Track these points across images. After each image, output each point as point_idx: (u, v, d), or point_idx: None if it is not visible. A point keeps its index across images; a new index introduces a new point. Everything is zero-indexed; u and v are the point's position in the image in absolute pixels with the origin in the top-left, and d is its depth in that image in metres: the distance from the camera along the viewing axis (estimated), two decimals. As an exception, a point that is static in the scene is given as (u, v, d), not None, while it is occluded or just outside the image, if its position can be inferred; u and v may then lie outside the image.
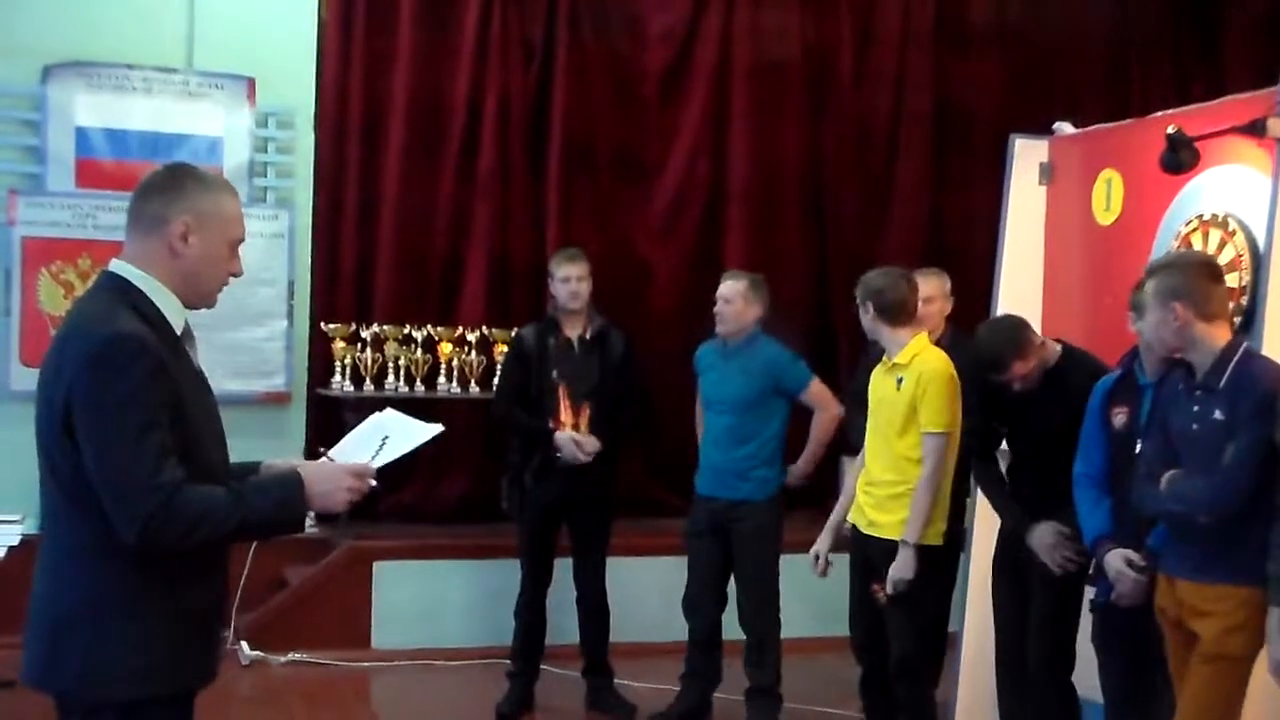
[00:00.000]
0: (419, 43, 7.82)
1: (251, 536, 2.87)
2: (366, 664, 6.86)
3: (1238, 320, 4.42)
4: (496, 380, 6.90)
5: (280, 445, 6.56)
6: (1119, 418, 4.35)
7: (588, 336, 6.09)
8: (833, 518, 5.29)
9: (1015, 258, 5.61)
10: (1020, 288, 5.56)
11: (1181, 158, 4.73)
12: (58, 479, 2.75)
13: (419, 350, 7.55)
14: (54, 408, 2.71)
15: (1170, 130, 4.71)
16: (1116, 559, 4.23)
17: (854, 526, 5.16)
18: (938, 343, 5.31)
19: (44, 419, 2.75)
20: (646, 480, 7.90)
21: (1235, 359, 3.88)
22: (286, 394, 7.52)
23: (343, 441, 3.16)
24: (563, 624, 6.26)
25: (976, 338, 4.79)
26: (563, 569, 6.20)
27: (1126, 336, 4.41)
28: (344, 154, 7.78)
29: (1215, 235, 4.71)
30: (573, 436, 5.95)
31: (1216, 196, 4.77)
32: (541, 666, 6.22)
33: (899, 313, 5.01)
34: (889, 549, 4.92)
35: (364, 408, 7.03)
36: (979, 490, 5.23)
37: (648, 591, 6.60)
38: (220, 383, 6.91)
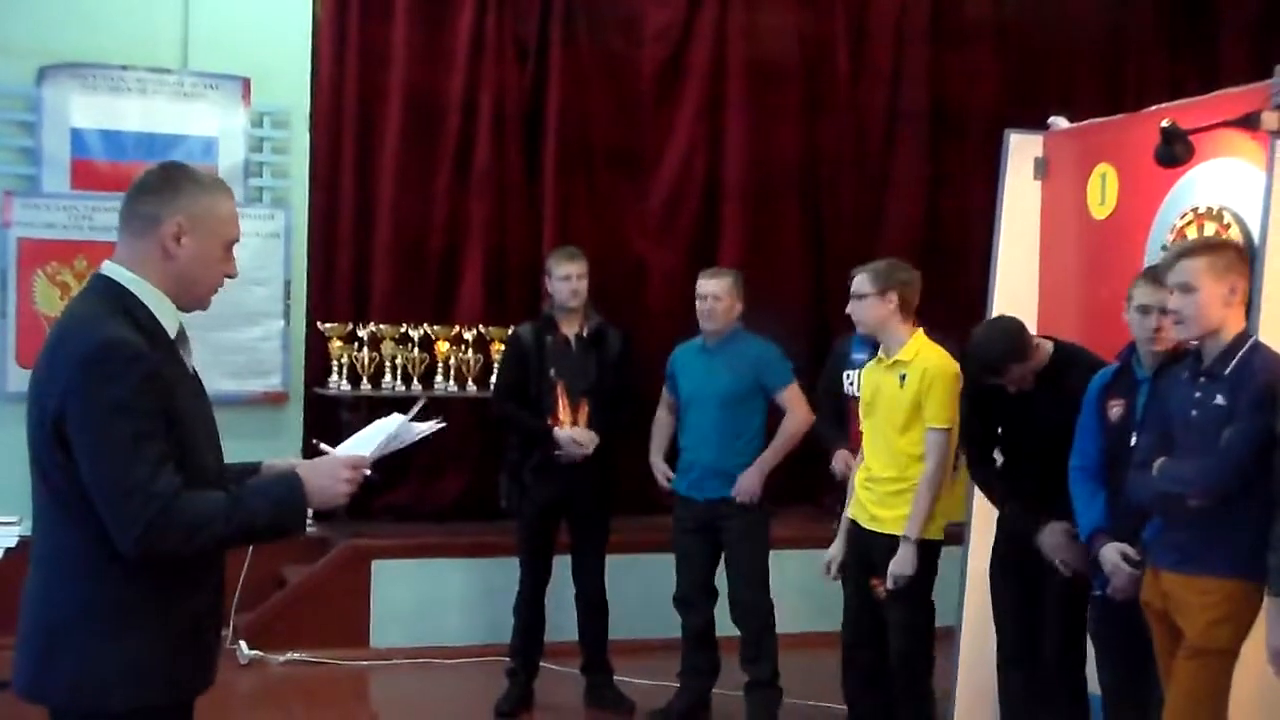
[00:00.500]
0: (414, 41, 7.82)
1: (253, 540, 2.82)
2: (365, 663, 6.87)
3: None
4: (494, 379, 6.91)
5: (277, 445, 6.57)
6: (1115, 410, 4.36)
7: (585, 334, 6.09)
8: (844, 525, 5.26)
9: (1011, 252, 5.60)
10: (1016, 282, 5.56)
11: (1176, 151, 4.73)
12: (49, 485, 2.71)
13: (416, 349, 7.56)
14: (45, 414, 2.66)
15: (1165, 124, 4.71)
16: (1112, 553, 4.24)
17: (853, 522, 5.16)
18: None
19: (35, 425, 2.70)
20: (645, 477, 7.88)
21: (1244, 349, 3.92)
22: (283, 394, 7.52)
23: (346, 442, 3.12)
24: (561, 621, 6.26)
25: (973, 340, 4.74)
26: (561, 566, 6.21)
27: (1122, 331, 4.41)
28: (339, 153, 7.77)
29: (1210, 228, 4.71)
30: (571, 434, 5.96)
31: (1211, 190, 4.77)
32: (540, 664, 6.23)
33: (911, 308, 5.03)
34: (891, 544, 4.93)
35: (361, 407, 7.08)
36: (977, 490, 5.23)
37: (646, 588, 6.60)
38: (217, 383, 7.04)
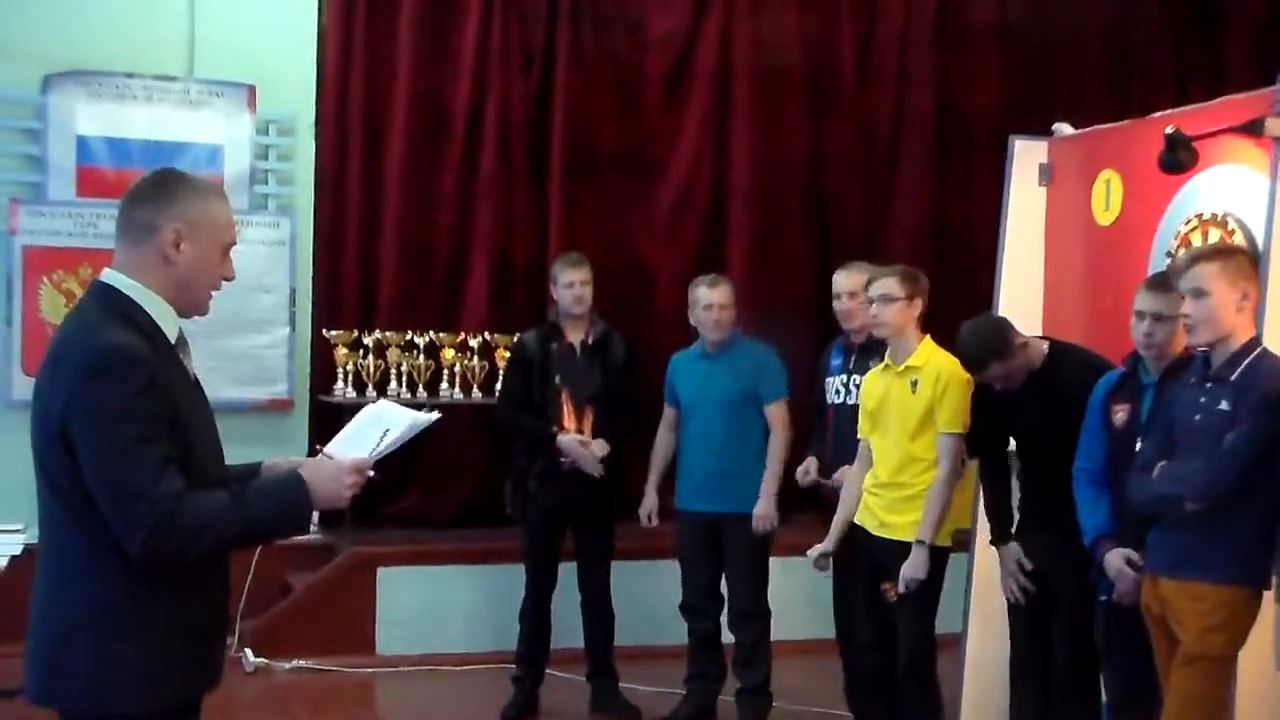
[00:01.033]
0: (419, 48, 7.84)
1: (256, 541, 2.83)
2: (371, 670, 6.87)
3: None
4: (499, 386, 6.91)
5: (282, 452, 6.37)
6: (1120, 415, 4.36)
7: (590, 341, 6.09)
8: (839, 520, 5.26)
9: (1015, 258, 5.60)
10: (1020, 288, 5.56)
11: (1180, 158, 4.73)
12: (54, 491, 2.73)
13: (421, 356, 7.56)
14: (49, 420, 2.68)
15: (1169, 130, 4.71)
16: (1116, 558, 4.24)
17: (861, 529, 5.16)
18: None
19: (39, 431, 2.72)
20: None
21: (1252, 355, 3.93)
22: (289, 401, 7.53)
23: (339, 436, 3.11)
24: (567, 628, 6.26)
25: (958, 337, 4.77)
26: (567, 573, 6.21)
27: (1127, 337, 4.41)
28: (345, 160, 7.79)
29: (1215, 234, 4.71)
30: (577, 439, 5.96)
31: (1215, 196, 4.77)
32: (546, 671, 6.23)
33: (922, 315, 5.04)
34: (902, 549, 4.93)
35: (366, 414, 7.06)
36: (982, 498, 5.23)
37: (652, 595, 6.60)
38: (222, 390, 7.09)
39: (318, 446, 3.22)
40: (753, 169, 8.38)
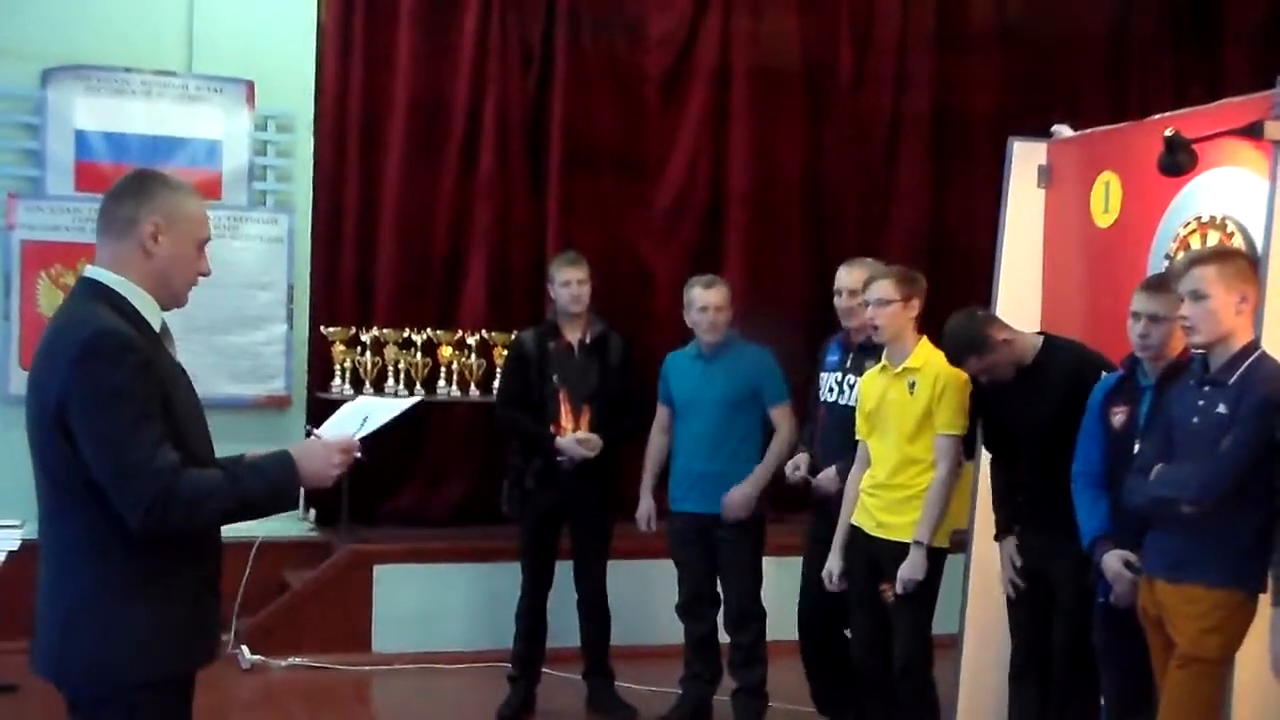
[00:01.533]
0: (418, 45, 7.84)
1: (249, 515, 2.96)
2: (367, 668, 6.87)
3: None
4: (497, 385, 6.90)
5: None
6: (1118, 417, 4.37)
7: (588, 340, 6.08)
8: (841, 534, 5.25)
9: (1014, 260, 5.60)
10: (1019, 290, 5.56)
11: (1179, 160, 4.73)
12: (51, 478, 2.85)
13: (419, 354, 7.56)
14: (45, 407, 2.79)
15: (1168, 133, 4.71)
16: (1114, 560, 4.25)
17: (858, 529, 5.16)
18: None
19: (35, 419, 2.83)
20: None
21: (1250, 359, 3.94)
22: (286, 398, 7.53)
23: (325, 423, 3.29)
24: (563, 627, 6.25)
25: (944, 330, 4.80)
26: (563, 572, 6.21)
27: (1125, 339, 4.41)
28: (344, 157, 7.79)
29: (1214, 237, 4.71)
30: (575, 439, 5.95)
31: (1214, 199, 4.77)
32: (542, 670, 6.23)
33: (920, 316, 5.04)
34: (899, 551, 4.93)
35: (364, 411, 7.06)
36: (980, 499, 5.23)
37: (648, 594, 6.60)
38: (220, 386, 7.09)
39: (308, 427, 3.31)
40: (751, 169, 8.38)
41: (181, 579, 2.91)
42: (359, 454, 3.04)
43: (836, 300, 5.55)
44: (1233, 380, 3.91)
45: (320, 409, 7.42)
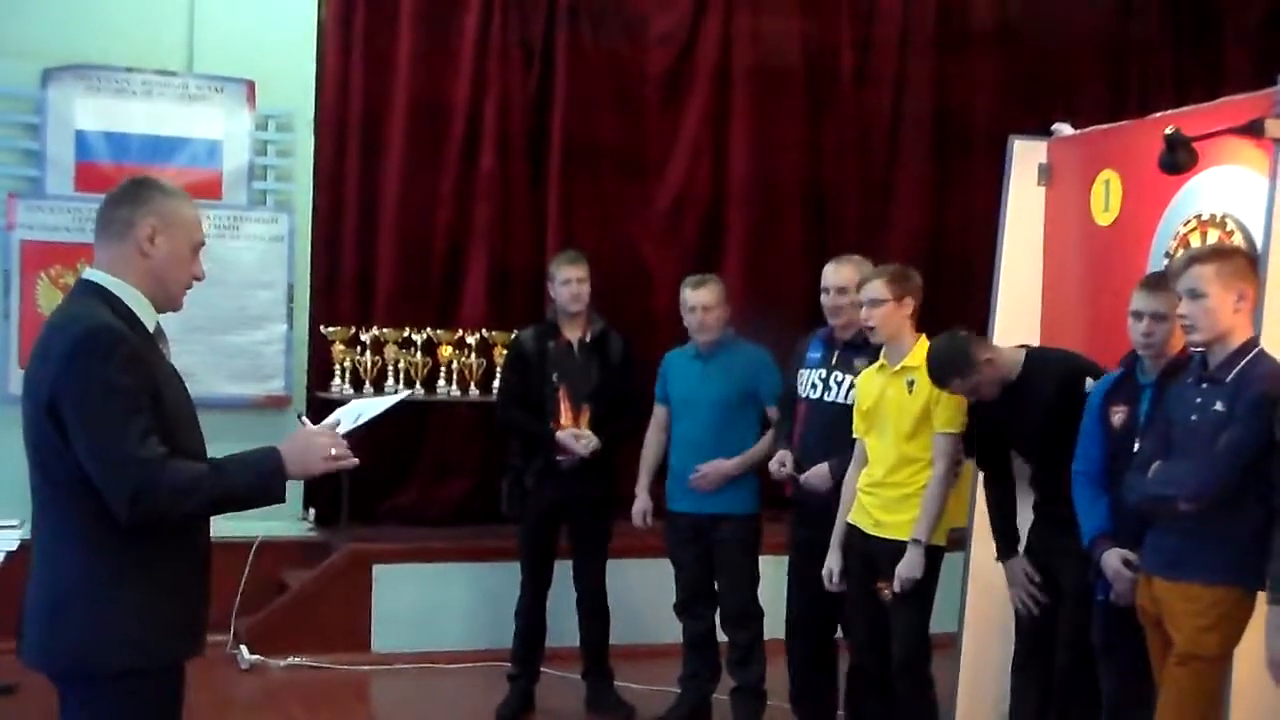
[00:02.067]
0: (419, 45, 7.84)
1: (236, 505, 3.00)
2: (366, 667, 6.87)
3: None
4: (497, 384, 6.90)
5: None
6: (1117, 416, 4.36)
7: (588, 339, 6.08)
8: (838, 533, 5.25)
9: (1014, 259, 5.60)
10: (1020, 289, 5.56)
11: (1179, 158, 4.72)
12: (45, 471, 2.91)
13: (418, 353, 7.56)
14: (39, 400, 2.87)
15: (1168, 131, 4.70)
16: (1114, 558, 4.24)
17: (855, 528, 5.15)
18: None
19: (30, 413, 2.91)
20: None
21: (1248, 357, 3.94)
22: (286, 397, 7.53)
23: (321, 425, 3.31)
24: (563, 626, 6.25)
25: (926, 354, 4.81)
26: (563, 571, 6.20)
27: (1125, 337, 4.41)
28: (344, 157, 7.79)
29: (1214, 235, 4.71)
30: (573, 432, 5.95)
31: (1215, 197, 4.76)
32: (541, 669, 6.22)
33: (917, 314, 5.04)
34: (897, 549, 4.93)
35: (363, 411, 7.06)
36: (979, 498, 5.22)
37: (648, 593, 6.60)
38: (219, 386, 7.10)
39: (299, 415, 3.38)
40: (752, 169, 8.38)
41: (171, 570, 2.97)
42: (351, 455, 3.05)
43: (824, 298, 5.46)
44: (1230, 378, 3.91)
45: (320, 409, 7.43)
